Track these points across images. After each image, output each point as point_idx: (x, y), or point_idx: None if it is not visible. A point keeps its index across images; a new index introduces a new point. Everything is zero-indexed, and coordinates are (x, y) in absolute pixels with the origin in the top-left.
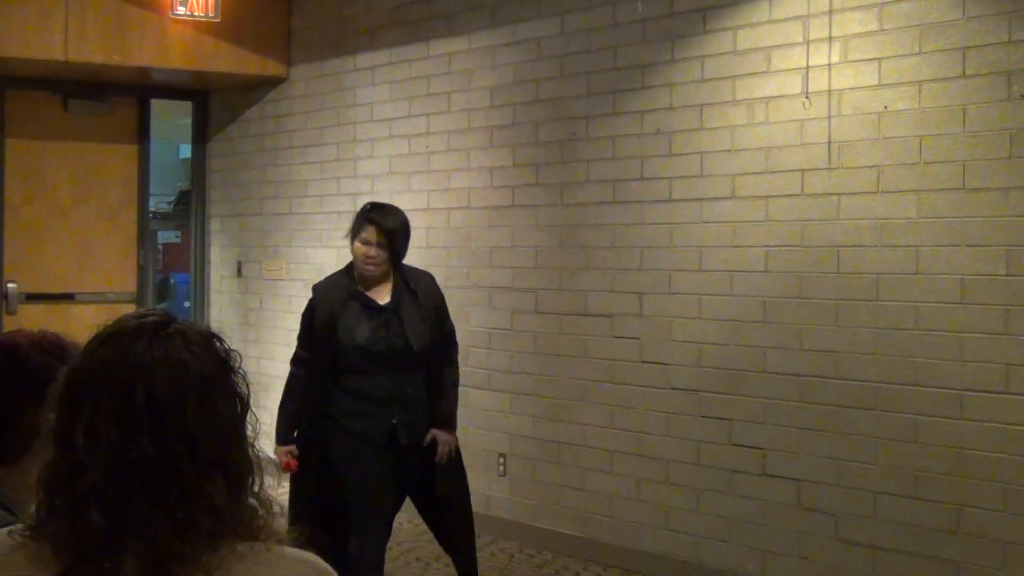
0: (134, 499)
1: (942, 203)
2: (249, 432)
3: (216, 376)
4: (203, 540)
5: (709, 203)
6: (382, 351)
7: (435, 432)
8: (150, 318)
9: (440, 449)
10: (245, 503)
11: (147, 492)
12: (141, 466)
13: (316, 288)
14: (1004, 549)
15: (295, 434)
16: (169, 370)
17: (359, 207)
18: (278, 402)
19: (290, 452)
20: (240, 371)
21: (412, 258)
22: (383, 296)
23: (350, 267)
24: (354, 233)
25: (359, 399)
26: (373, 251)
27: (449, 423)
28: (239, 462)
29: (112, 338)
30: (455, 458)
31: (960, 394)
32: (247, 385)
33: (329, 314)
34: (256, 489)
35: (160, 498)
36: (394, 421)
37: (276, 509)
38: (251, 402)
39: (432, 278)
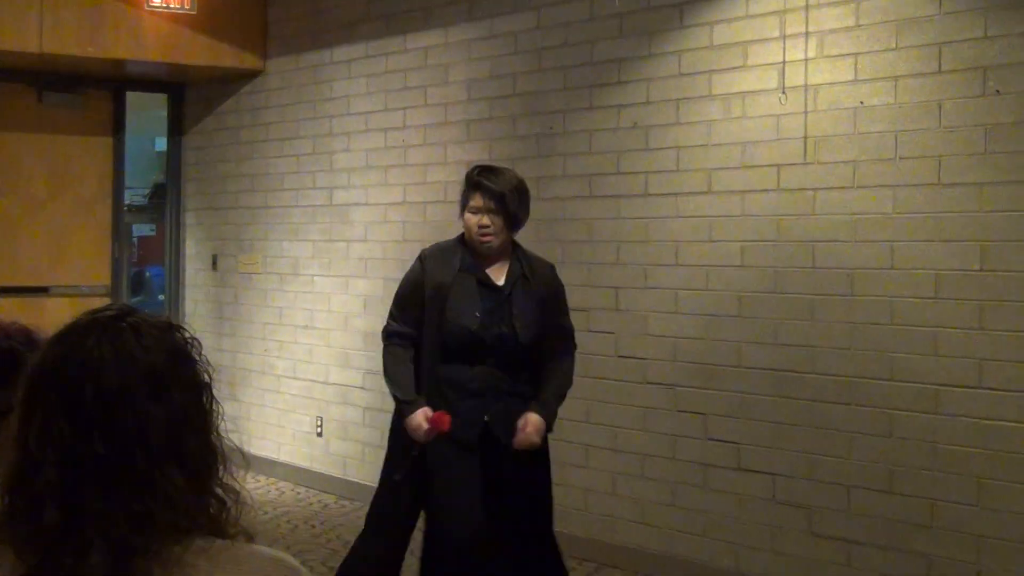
0: (89, 495)
1: (917, 198)
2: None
3: (169, 367)
4: (163, 533)
5: (685, 198)
6: (491, 339)
7: (525, 414)
8: (105, 312)
9: (521, 427)
10: (207, 494)
11: (101, 487)
12: (94, 461)
13: (425, 254)
14: (978, 543)
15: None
16: (117, 364)
17: (335, 200)
18: (252, 395)
19: (425, 413)
20: (200, 360)
21: (391, 251)
22: (499, 276)
23: (461, 237)
24: (463, 204)
25: (451, 389)
26: (486, 219)
27: (545, 409)
28: (197, 453)
29: (65, 335)
30: (540, 461)
31: (935, 389)
32: (209, 374)
33: (439, 286)
34: (221, 479)
35: (115, 492)
36: (486, 419)
37: (247, 501)
38: (215, 391)
39: (553, 268)
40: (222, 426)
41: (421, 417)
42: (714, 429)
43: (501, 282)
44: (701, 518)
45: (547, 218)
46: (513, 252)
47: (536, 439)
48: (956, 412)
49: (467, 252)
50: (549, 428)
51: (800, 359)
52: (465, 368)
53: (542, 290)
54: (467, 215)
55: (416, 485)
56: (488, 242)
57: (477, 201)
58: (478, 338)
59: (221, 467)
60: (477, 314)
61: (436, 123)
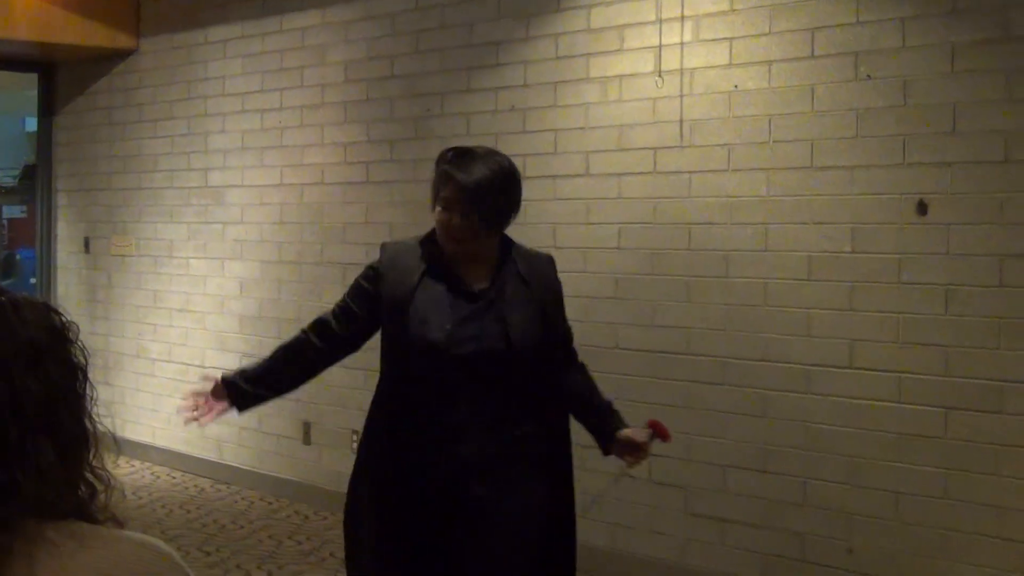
0: None
1: (790, 181)
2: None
3: (47, 344)
4: (28, 506)
5: (563, 180)
6: (467, 355)
7: (655, 424)
8: None
9: (647, 445)
10: (77, 475)
11: None
12: None
13: (385, 248)
14: (849, 521)
15: (243, 384)
16: None
17: (210, 182)
18: (126, 379)
19: (202, 392)
20: (77, 342)
21: (268, 234)
22: (479, 278)
23: (432, 233)
24: (434, 194)
25: (413, 422)
26: (456, 218)
27: (620, 419)
28: (70, 431)
29: None
30: (563, 511)
31: (807, 369)
32: (84, 357)
33: (398, 287)
34: (92, 465)
35: None
36: (463, 455)
37: (119, 488)
38: (90, 374)
39: (551, 261)
40: (95, 412)
41: (195, 389)
42: None
43: (484, 285)
44: (579, 499)
45: (425, 201)
46: (502, 249)
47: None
48: (827, 392)
49: (436, 251)
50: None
51: (676, 340)
52: (435, 392)
53: (543, 293)
54: (437, 210)
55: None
56: (452, 248)
57: (447, 192)
58: (449, 355)
59: (92, 452)
60: (448, 326)
61: (313, 104)
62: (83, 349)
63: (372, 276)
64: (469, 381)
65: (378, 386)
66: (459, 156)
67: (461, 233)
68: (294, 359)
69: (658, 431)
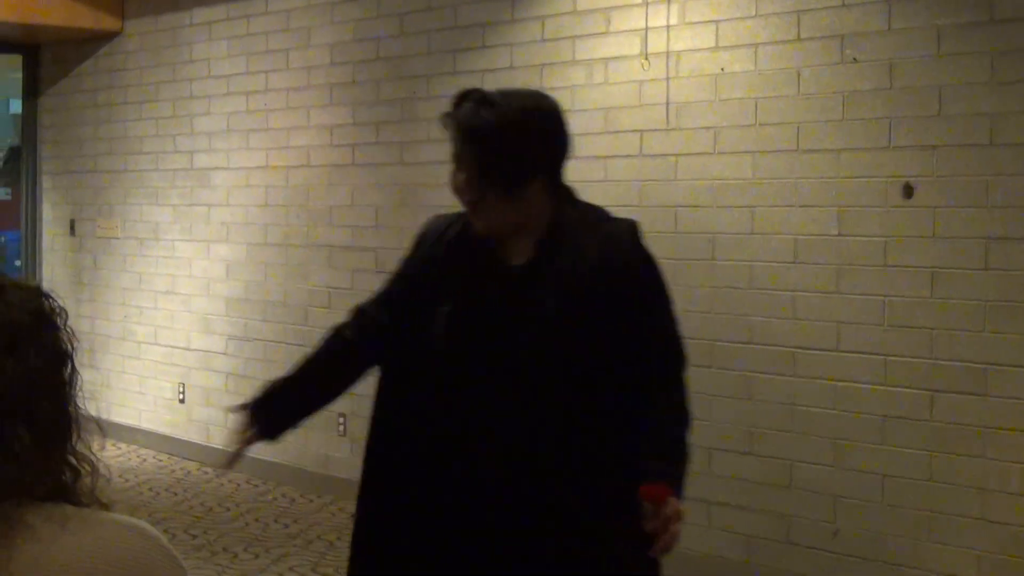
0: None
1: (776, 164)
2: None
3: (30, 328)
4: (8, 491)
5: None
6: (483, 350)
7: (645, 492)
8: None
9: (654, 525)
10: (59, 460)
11: None
12: None
13: (428, 222)
14: (835, 503)
15: (270, 408)
16: None
17: (196, 164)
18: (111, 362)
19: (241, 424)
20: (64, 329)
21: (254, 216)
22: (521, 250)
23: None
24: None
25: (417, 436)
26: (459, 174)
27: (669, 475)
28: (51, 416)
29: None
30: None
31: (792, 351)
32: (72, 345)
33: (420, 263)
34: (75, 449)
35: None
36: (490, 478)
37: (104, 472)
38: (77, 360)
39: (632, 230)
40: (80, 398)
41: (236, 427)
42: None
43: (520, 260)
44: None
45: (411, 183)
46: (554, 213)
47: (664, 524)
48: (813, 375)
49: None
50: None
51: None
52: (447, 398)
53: (598, 272)
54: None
55: None
56: (472, 218)
57: (451, 139)
58: (460, 350)
59: (75, 436)
60: (446, 311)
61: (299, 87)
62: (71, 335)
63: (407, 253)
64: (485, 380)
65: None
66: (468, 96)
67: (464, 193)
68: (325, 363)
69: (649, 497)
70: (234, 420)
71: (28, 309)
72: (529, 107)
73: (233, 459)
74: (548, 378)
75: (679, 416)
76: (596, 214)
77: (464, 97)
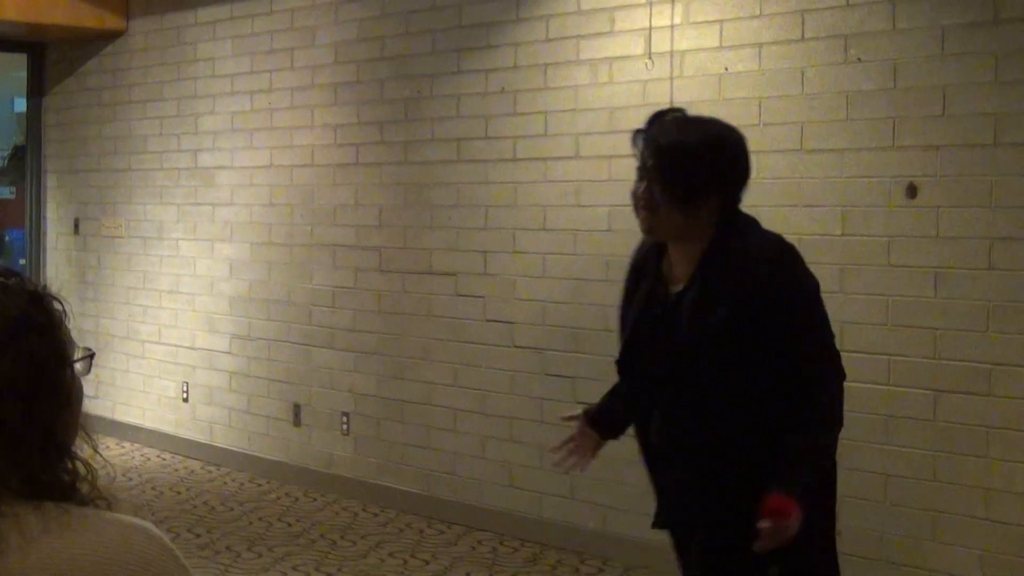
0: None
1: (780, 164)
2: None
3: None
4: (9, 491)
5: (553, 162)
6: (653, 373)
7: (770, 509)
8: None
9: (762, 531)
10: (59, 459)
11: None
12: None
13: (632, 252)
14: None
15: (599, 416)
16: None
17: (200, 163)
18: (116, 361)
19: (574, 436)
20: (61, 332)
21: (257, 215)
22: (684, 273)
23: None
24: None
25: (642, 421)
26: (641, 185)
27: (787, 483)
28: (49, 415)
29: None
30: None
31: None
32: (58, 346)
33: (625, 292)
34: (75, 451)
35: None
36: (666, 455)
37: (107, 471)
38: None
39: (776, 257)
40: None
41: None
42: (582, 393)
43: (680, 284)
44: (569, 481)
45: (415, 182)
46: (717, 235)
47: (776, 535)
48: None
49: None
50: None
51: None
52: (650, 419)
53: (740, 294)
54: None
55: None
56: (643, 227)
57: (640, 153)
58: (627, 372)
59: (76, 439)
60: (626, 336)
61: (303, 86)
62: (58, 341)
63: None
64: (664, 402)
65: None
66: (660, 115)
67: (640, 201)
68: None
69: (769, 511)
70: (576, 427)
71: (6, 315)
72: (714, 135)
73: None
74: (696, 391)
75: (817, 422)
76: (748, 238)
77: (661, 115)
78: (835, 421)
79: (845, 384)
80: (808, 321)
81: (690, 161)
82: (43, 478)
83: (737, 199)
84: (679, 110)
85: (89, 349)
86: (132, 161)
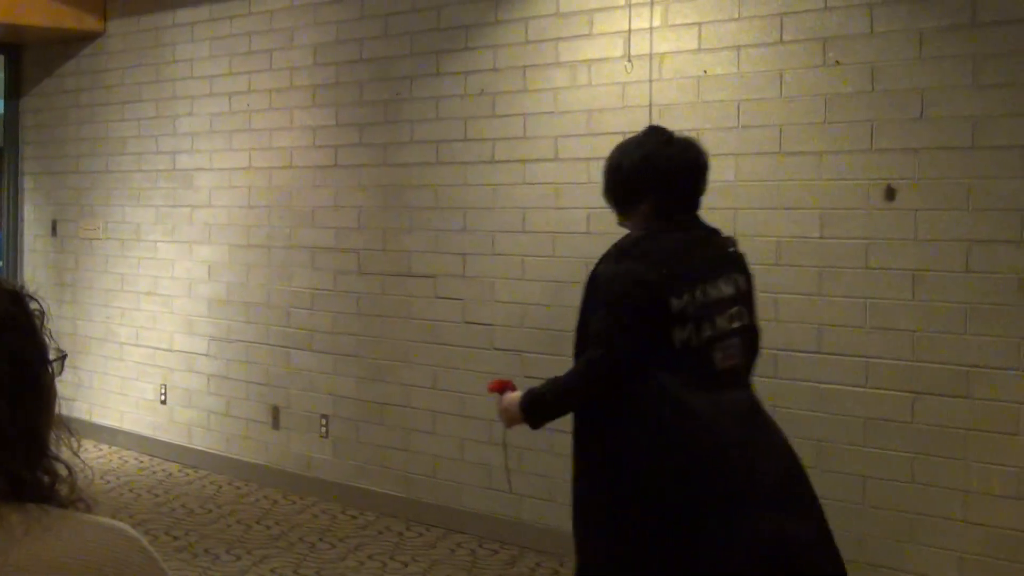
0: None
1: (759, 166)
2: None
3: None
4: None
5: (532, 165)
6: None
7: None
8: None
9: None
10: (40, 460)
11: None
12: None
13: None
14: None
15: None
16: None
17: (178, 165)
18: (93, 363)
19: None
20: (39, 333)
21: (237, 217)
22: None
23: None
24: None
25: None
26: None
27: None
28: (32, 415)
29: None
30: None
31: (775, 353)
32: (36, 347)
33: None
34: (53, 453)
35: None
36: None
37: (85, 473)
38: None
39: (606, 259)
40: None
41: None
42: None
43: None
44: (548, 483)
45: (394, 184)
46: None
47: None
48: (796, 376)
49: None
50: (524, 418)
51: None
52: None
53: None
54: None
55: None
56: None
57: None
58: None
59: (54, 440)
60: None
61: (282, 88)
62: (39, 340)
63: None
64: None
65: None
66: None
67: None
68: None
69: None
70: None
71: (14, 311)
72: (614, 156)
73: None
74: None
75: (567, 375)
76: (621, 242)
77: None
78: (571, 386)
79: (824, 387)
80: (595, 301)
81: (606, 177)
82: (27, 479)
83: (665, 207)
84: (660, 129)
85: (61, 350)
86: (110, 163)
